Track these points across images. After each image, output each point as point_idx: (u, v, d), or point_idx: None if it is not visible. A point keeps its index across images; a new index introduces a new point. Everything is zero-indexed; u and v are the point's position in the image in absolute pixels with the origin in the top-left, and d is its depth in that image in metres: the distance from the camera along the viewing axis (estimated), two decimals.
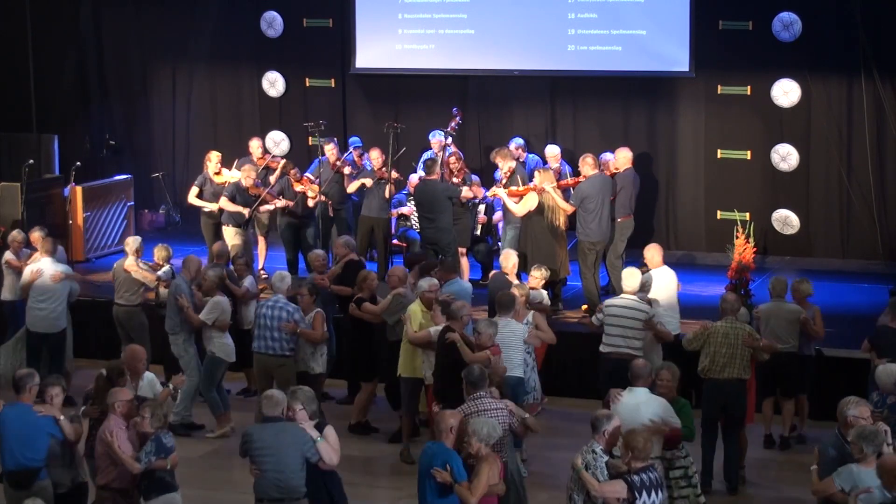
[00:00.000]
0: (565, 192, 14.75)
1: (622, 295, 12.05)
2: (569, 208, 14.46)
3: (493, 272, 13.98)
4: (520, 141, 16.62)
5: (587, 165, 14.60)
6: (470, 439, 8.64)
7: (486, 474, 8.53)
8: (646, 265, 13.05)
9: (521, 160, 15.89)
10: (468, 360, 10.85)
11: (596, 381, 12.10)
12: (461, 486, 8.50)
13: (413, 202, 15.62)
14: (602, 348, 11.95)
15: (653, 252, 13.08)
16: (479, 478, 8.52)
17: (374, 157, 15.83)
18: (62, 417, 9.49)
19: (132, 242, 13.87)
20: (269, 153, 16.68)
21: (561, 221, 14.39)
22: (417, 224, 15.76)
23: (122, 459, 9.10)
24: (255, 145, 16.79)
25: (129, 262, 13.67)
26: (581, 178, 14.63)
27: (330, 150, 16.17)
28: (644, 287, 12.32)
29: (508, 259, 13.24)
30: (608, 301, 12.17)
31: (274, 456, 8.92)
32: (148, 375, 10.42)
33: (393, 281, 12.70)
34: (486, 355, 10.84)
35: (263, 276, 15.62)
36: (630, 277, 12.10)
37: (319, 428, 9.17)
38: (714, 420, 11.53)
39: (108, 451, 9.16)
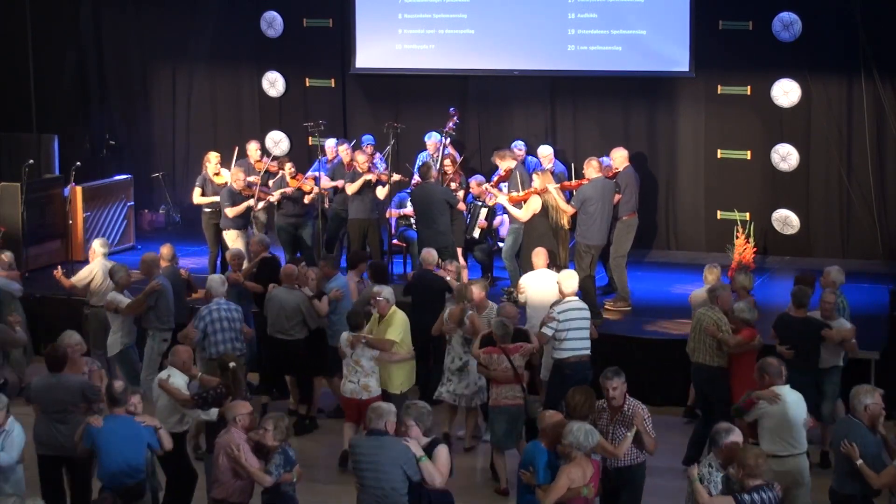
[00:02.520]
0: (565, 194, 14.74)
1: (567, 299, 11.81)
2: (569, 209, 14.41)
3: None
4: (521, 143, 16.61)
5: (591, 168, 14.55)
6: (563, 442, 8.62)
7: (564, 478, 8.46)
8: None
9: (521, 162, 15.88)
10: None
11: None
12: (540, 488, 8.55)
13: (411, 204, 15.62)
14: (560, 354, 11.70)
15: (538, 255, 13.14)
16: (556, 481, 8.50)
17: (361, 161, 15.66)
18: (161, 427, 9.53)
19: (104, 243, 14.06)
20: (267, 157, 16.55)
21: (565, 221, 14.36)
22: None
23: (251, 473, 8.91)
24: (252, 148, 16.58)
25: (114, 264, 13.68)
26: (584, 181, 14.59)
27: (344, 150, 16.10)
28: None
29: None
30: (558, 308, 11.78)
31: (373, 471, 8.70)
32: None
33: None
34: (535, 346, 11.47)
35: None
36: (568, 280, 11.98)
37: (434, 445, 8.93)
38: (704, 402, 11.85)
39: (233, 464, 8.96)
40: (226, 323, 12.26)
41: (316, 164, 16.36)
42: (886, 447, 9.10)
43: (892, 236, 16.86)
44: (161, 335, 12.99)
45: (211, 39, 19.42)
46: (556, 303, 11.84)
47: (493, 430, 11.42)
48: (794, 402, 9.75)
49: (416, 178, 16.05)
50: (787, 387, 9.78)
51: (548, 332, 11.63)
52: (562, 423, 8.83)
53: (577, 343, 11.66)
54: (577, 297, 11.90)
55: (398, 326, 11.79)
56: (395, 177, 15.80)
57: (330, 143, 16.72)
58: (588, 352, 11.74)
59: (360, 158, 15.62)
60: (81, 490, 10.14)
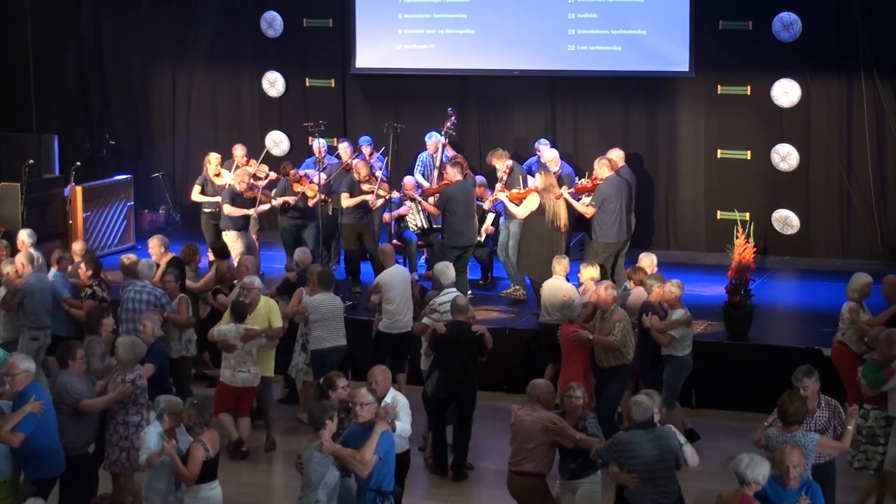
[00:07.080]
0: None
1: (445, 290, 12.33)
2: (589, 211, 14.46)
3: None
4: (546, 141, 16.62)
5: (604, 167, 14.66)
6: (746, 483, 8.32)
7: None
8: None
9: (541, 160, 15.99)
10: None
11: None
12: None
13: (441, 202, 15.14)
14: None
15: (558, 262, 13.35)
16: None
17: (363, 174, 15.52)
18: None
19: (31, 233, 14.12)
20: (255, 160, 16.56)
21: (562, 224, 14.33)
22: (413, 225, 15.79)
23: (583, 441, 9.39)
24: (239, 153, 16.63)
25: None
26: (598, 181, 14.62)
27: (343, 149, 16.13)
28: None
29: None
30: (438, 300, 12.25)
31: (652, 463, 8.97)
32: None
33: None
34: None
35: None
36: (445, 270, 12.54)
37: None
38: None
39: (556, 438, 9.42)
40: (132, 304, 12.45)
41: (306, 161, 16.48)
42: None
43: (892, 236, 16.87)
44: (30, 333, 13.03)
45: (211, 39, 19.43)
46: (437, 294, 12.38)
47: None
48: None
49: (407, 180, 16.05)
50: None
51: (428, 322, 12.21)
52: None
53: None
54: (454, 289, 12.35)
55: (276, 313, 12.44)
56: (395, 193, 15.83)
57: (318, 145, 16.67)
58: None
59: (363, 171, 15.54)
60: None
